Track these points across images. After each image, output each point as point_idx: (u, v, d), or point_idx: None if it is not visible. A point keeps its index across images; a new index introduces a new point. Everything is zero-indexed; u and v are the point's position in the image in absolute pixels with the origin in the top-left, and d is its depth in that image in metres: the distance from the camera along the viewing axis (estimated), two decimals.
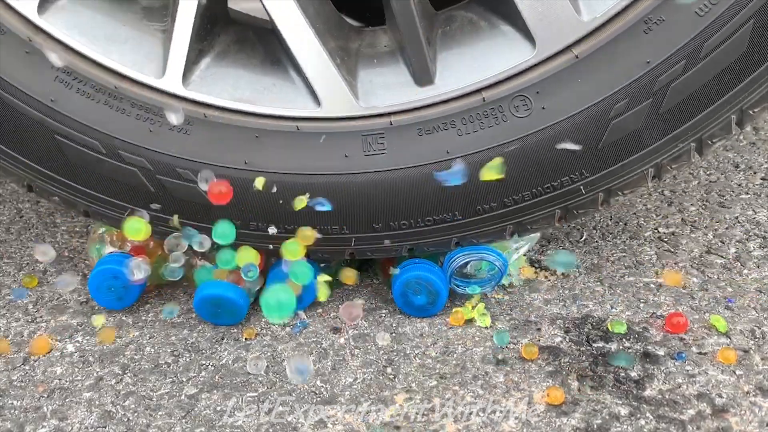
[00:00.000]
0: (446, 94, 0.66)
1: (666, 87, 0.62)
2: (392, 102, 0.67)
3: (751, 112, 0.64)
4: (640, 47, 0.62)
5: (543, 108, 0.64)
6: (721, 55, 0.61)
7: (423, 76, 0.67)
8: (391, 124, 0.67)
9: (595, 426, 0.57)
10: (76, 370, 0.68)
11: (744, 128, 0.66)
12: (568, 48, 0.64)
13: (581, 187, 0.67)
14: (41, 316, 0.79)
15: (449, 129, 0.66)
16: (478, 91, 0.66)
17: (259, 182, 0.67)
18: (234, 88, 0.69)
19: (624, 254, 0.87)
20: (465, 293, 0.75)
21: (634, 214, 0.99)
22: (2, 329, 0.76)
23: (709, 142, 0.66)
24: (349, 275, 0.74)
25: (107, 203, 0.72)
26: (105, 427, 0.60)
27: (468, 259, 0.73)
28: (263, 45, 0.72)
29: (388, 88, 0.68)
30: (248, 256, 0.70)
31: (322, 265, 0.78)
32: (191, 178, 0.68)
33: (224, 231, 0.68)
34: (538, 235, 0.85)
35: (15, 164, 0.71)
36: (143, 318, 0.77)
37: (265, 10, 0.66)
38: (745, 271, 0.81)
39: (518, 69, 0.65)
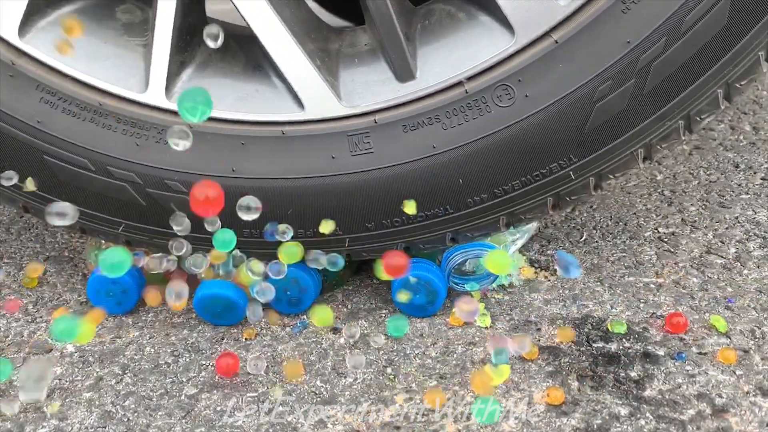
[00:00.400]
0: (428, 88, 0.66)
1: (648, 66, 0.62)
2: (375, 100, 0.67)
3: (738, 85, 0.64)
4: (619, 28, 0.61)
5: (526, 96, 0.64)
6: (702, 29, 0.61)
7: (404, 72, 0.67)
8: (376, 122, 0.67)
9: (595, 426, 0.57)
10: (76, 370, 0.68)
11: (732, 102, 0.65)
12: (547, 34, 0.63)
13: (570, 173, 0.67)
14: (41, 316, 0.79)
15: (434, 123, 0.66)
16: (460, 83, 0.66)
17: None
18: (217, 96, 0.69)
19: (624, 254, 0.87)
20: (464, 291, 0.75)
21: (634, 214, 0.99)
22: (2, 329, 0.76)
23: (698, 119, 0.65)
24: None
25: (101, 220, 0.72)
26: (105, 427, 0.60)
27: (465, 257, 0.73)
28: (244, 52, 0.72)
29: (371, 87, 0.68)
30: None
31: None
32: (180, 189, 0.69)
33: (225, 239, 0.68)
34: (534, 227, 0.85)
35: (8, 187, 0.72)
36: (143, 318, 0.77)
37: (241, 15, 0.66)
38: (745, 271, 0.81)
39: (498, 58, 0.65)
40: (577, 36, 0.62)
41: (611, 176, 0.68)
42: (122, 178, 0.69)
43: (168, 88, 0.68)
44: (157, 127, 0.68)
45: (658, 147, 0.67)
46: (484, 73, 0.65)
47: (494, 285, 0.79)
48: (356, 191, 0.68)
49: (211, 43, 0.58)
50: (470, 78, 0.65)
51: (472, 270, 0.74)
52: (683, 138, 0.67)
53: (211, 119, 0.68)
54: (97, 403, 0.63)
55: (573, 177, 0.67)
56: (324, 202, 0.68)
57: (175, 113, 0.68)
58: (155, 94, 0.68)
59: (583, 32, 0.62)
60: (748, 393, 0.60)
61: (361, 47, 0.72)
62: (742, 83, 0.64)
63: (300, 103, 0.68)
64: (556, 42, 0.63)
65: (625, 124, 0.64)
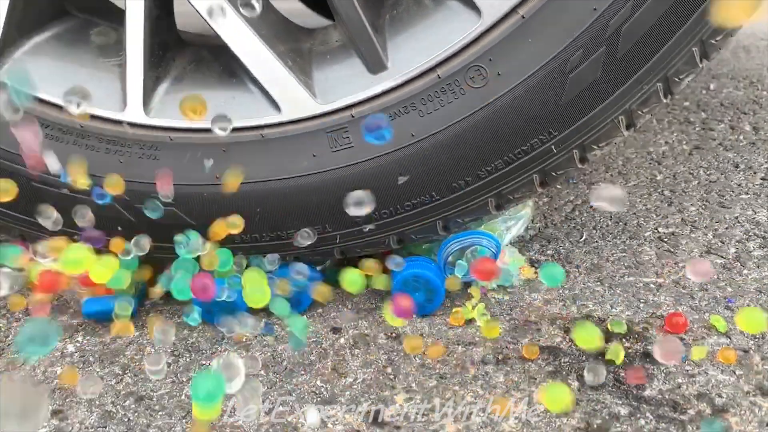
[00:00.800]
0: (401, 77, 0.66)
1: (618, 31, 0.62)
2: (350, 95, 0.67)
3: (713, 41, 0.63)
4: None
5: (499, 74, 0.64)
6: None
7: (375, 64, 0.67)
8: (353, 116, 0.67)
9: (595, 426, 0.57)
10: (77, 370, 0.68)
11: (710, 60, 0.64)
12: (513, 10, 0.63)
13: (552, 147, 0.66)
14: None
15: (410, 112, 0.66)
16: (432, 69, 0.66)
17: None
18: None
19: (624, 254, 0.87)
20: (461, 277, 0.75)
21: (634, 214, 0.99)
22: (2, 329, 0.76)
23: (677, 80, 0.65)
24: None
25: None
26: (105, 427, 0.60)
27: (461, 245, 0.73)
28: (218, 61, 0.73)
29: (345, 82, 0.68)
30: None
31: (319, 268, 0.79)
32: (167, 201, 0.69)
33: (222, 259, 0.68)
34: (529, 215, 0.85)
35: (3, 217, 0.73)
36: (143, 318, 0.77)
37: (207, 22, 0.67)
38: (745, 271, 0.81)
39: (467, 40, 0.65)
40: (543, 9, 0.62)
41: (595, 147, 0.68)
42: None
43: (145, 103, 0.69)
44: (139, 143, 0.69)
45: (639, 112, 0.67)
46: (455, 57, 0.65)
47: (494, 285, 0.79)
48: (341, 187, 0.68)
49: (250, 10, 0.59)
50: (441, 62, 0.65)
51: (470, 259, 0.75)
52: (664, 101, 0.66)
53: (191, 130, 0.69)
54: (97, 403, 0.63)
55: (555, 151, 0.67)
56: (310, 200, 0.69)
57: (154, 128, 0.69)
58: (134, 112, 0.69)
59: (548, 5, 0.62)
60: (748, 393, 0.60)
61: (333, 44, 0.72)
62: (718, 39, 0.63)
63: (276, 106, 0.68)
64: (523, 17, 0.63)
65: (601, 92, 0.64)
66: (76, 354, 0.71)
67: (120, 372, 0.67)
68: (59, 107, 0.69)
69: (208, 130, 0.68)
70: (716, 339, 0.68)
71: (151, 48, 0.69)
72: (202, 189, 0.70)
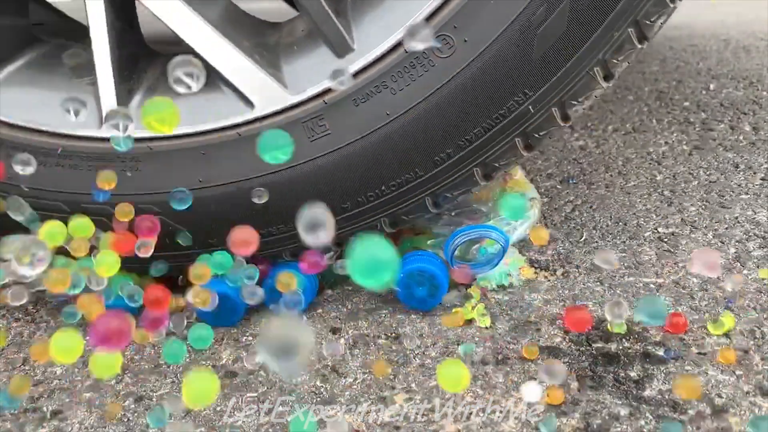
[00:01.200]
0: (369, 57, 0.66)
1: None
2: (321, 82, 0.67)
3: None
4: None
5: (465, 41, 0.64)
6: None
7: (341, 47, 0.67)
8: (326, 103, 0.67)
9: (595, 426, 0.57)
10: (76, 370, 0.68)
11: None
12: None
13: (530, 108, 0.66)
14: (41, 317, 0.79)
15: (382, 90, 0.66)
16: (399, 45, 0.65)
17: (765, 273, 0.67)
18: None
19: (624, 254, 0.87)
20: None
21: (634, 214, 0.99)
22: (2, 330, 0.76)
23: (648, 23, 0.64)
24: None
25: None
26: (105, 428, 0.60)
27: (468, 238, 0.73)
28: None
29: (314, 70, 0.68)
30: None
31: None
32: (154, 210, 0.70)
33: (222, 260, 0.68)
34: (534, 216, 0.85)
35: None
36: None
37: (167, 26, 0.67)
38: (745, 271, 0.81)
39: (431, 9, 0.64)
40: None
41: (575, 102, 0.67)
42: (98, 213, 0.70)
43: None
44: (120, 157, 0.70)
45: (615, 61, 0.66)
46: None
47: (494, 285, 0.79)
48: (324, 175, 0.68)
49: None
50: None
51: (476, 255, 0.75)
52: (639, 46, 0.65)
53: (169, 138, 0.69)
54: (96, 403, 0.63)
55: (533, 111, 0.66)
56: (294, 193, 0.69)
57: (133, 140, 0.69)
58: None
59: None
60: (747, 393, 0.60)
61: (299, 34, 0.72)
62: None
63: (249, 102, 0.68)
64: None
65: (571, 45, 0.63)
66: None
67: (120, 372, 0.67)
68: (39, 131, 0.70)
69: (188, 135, 0.69)
70: (716, 339, 0.68)
71: (120, 62, 0.70)
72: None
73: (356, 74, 0.66)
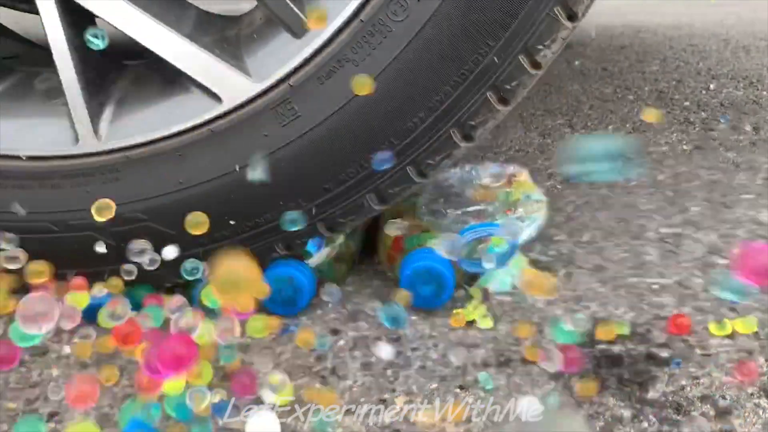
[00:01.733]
0: (327, 33, 0.65)
1: None
2: (284, 65, 0.67)
3: None
4: None
5: (418, 1, 0.63)
6: None
7: (297, 27, 0.66)
8: (292, 86, 0.66)
9: (598, 428, 0.57)
10: (73, 372, 0.68)
11: None
12: None
13: (494, 59, 0.65)
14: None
15: (345, 64, 0.65)
16: (355, 15, 0.65)
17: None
18: (143, 121, 0.70)
19: (627, 255, 0.86)
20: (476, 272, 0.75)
21: (637, 214, 0.99)
22: (1, 331, 0.76)
23: None
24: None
25: (81, 275, 0.73)
26: (102, 430, 0.59)
27: (478, 235, 0.72)
28: (156, 73, 0.73)
29: (276, 55, 0.68)
30: None
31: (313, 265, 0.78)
32: (141, 218, 0.70)
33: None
34: (542, 217, 0.85)
35: None
36: None
37: (123, 32, 0.67)
38: None
39: None
40: None
41: (542, 47, 0.65)
42: (85, 228, 0.71)
43: (95, 131, 0.70)
44: (100, 170, 0.70)
45: None
46: None
47: (498, 290, 0.78)
48: (301, 158, 0.68)
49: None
50: (361, 6, 0.64)
51: (485, 254, 0.74)
52: None
53: (144, 144, 0.69)
54: (94, 405, 0.62)
55: (499, 61, 0.65)
56: (275, 181, 0.68)
57: (110, 152, 0.70)
58: (86, 142, 0.70)
59: None
60: (752, 395, 0.60)
61: (257, 23, 0.72)
62: None
63: (217, 97, 0.68)
64: None
65: None
66: (72, 356, 0.70)
67: (117, 374, 0.67)
68: (14, 157, 0.71)
69: (163, 138, 0.69)
70: (720, 340, 0.67)
71: (87, 77, 0.69)
72: (171, 197, 0.70)
73: (317, 52, 0.66)
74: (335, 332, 0.72)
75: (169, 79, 0.71)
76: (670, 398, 0.60)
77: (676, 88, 1.76)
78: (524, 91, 0.68)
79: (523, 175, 0.97)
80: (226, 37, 0.72)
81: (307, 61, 0.66)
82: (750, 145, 1.27)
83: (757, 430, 0.56)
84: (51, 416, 0.61)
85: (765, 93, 1.66)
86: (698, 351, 0.66)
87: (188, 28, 0.69)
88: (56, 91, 0.71)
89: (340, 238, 0.81)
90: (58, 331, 0.74)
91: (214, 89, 0.68)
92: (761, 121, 1.42)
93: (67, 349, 0.71)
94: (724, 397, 0.59)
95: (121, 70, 0.76)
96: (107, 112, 0.71)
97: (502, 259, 0.75)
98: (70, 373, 0.67)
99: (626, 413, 0.58)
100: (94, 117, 0.70)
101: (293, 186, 0.69)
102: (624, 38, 2.62)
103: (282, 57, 0.67)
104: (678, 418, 0.57)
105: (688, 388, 0.61)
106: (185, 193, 0.70)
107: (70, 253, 0.73)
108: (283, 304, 0.74)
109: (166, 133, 0.69)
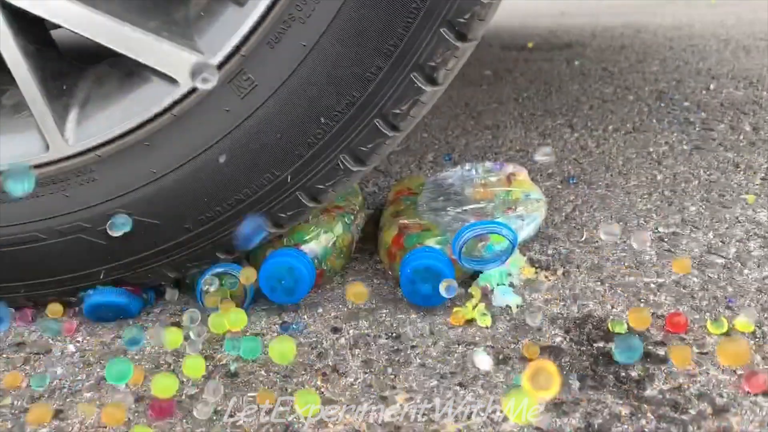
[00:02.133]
0: None
1: None
2: (232, 37, 0.66)
3: None
4: None
5: None
6: None
7: None
8: (244, 55, 0.66)
9: (596, 426, 0.57)
10: (77, 370, 0.68)
11: None
12: None
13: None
14: (41, 317, 0.79)
15: (291, 24, 0.65)
16: None
17: None
18: (108, 118, 0.71)
19: (624, 254, 0.86)
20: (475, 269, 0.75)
21: (635, 214, 0.99)
22: (1, 330, 0.76)
23: None
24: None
25: (76, 279, 0.75)
26: (105, 427, 0.60)
27: (476, 234, 0.73)
28: (117, 68, 0.74)
29: (225, 28, 0.67)
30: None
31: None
32: (124, 212, 0.71)
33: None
34: (541, 216, 0.86)
35: None
36: (143, 318, 0.77)
37: (68, 29, 0.67)
38: (746, 271, 0.81)
39: None
40: None
41: (462, 19, 0.64)
42: (73, 231, 0.72)
43: (63, 135, 0.70)
44: (74, 172, 0.71)
45: None
46: None
47: (495, 284, 0.78)
48: (266, 126, 0.68)
49: None
50: None
51: (483, 252, 0.75)
52: None
53: (112, 140, 0.70)
54: (97, 403, 0.63)
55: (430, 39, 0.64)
56: (245, 155, 0.68)
57: (81, 153, 0.70)
58: (57, 148, 0.71)
59: None
60: (749, 393, 0.60)
61: (203, 1, 0.72)
62: None
63: (173, 81, 0.68)
64: None
65: None
66: (77, 354, 0.71)
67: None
68: None
69: (128, 132, 0.69)
70: (717, 339, 0.68)
71: (46, 83, 0.70)
72: (146, 189, 0.71)
73: (263, 17, 0.65)
74: (336, 330, 0.73)
75: (128, 72, 0.72)
76: (668, 396, 0.60)
77: (676, 88, 1.77)
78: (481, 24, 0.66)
79: (523, 175, 0.98)
80: (174, 20, 0.71)
81: (255, 28, 0.65)
82: (749, 145, 1.27)
83: (754, 427, 0.56)
84: (55, 413, 0.62)
85: (765, 93, 1.66)
86: (695, 349, 0.66)
87: (129, 14, 0.69)
88: (22, 105, 0.72)
89: (338, 230, 0.82)
90: (60, 330, 0.75)
91: (169, 73, 0.67)
92: (761, 121, 1.43)
93: (71, 347, 0.72)
94: (721, 395, 0.60)
95: (81, 73, 0.76)
96: (72, 116, 0.71)
97: (502, 257, 0.75)
98: (74, 371, 0.68)
99: (624, 411, 0.59)
100: (60, 122, 0.70)
101: (264, 157, 0.69)
102: (624, 38, 2.63)
103: (231, 29, 0.66)
104: (676, 415, 0.58)
105: (686, 386, 0.61)
106: (161, 181, 0.70)
107: (62, 258, 0.74)
108: (282, 294, 0.74)
109: (131, 125, 0.69)
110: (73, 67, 0.76)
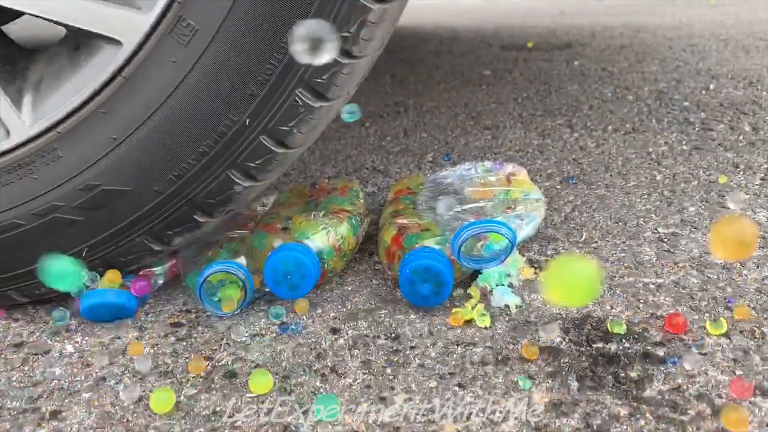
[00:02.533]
0: None
1: None
2: None
3: None
4: None
5: None
6: None
7: None
8: (180, 2, 0.65)
9: (595, 426, 0.57)
10: (76, 370, 0.68)
11: None
12: None
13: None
14: (41, 317, 0.79)
15: None
16: None
17: None
18: (62, 94, 0.71)
19: (624, 254, 0.86)
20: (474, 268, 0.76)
21: (634, 214, 0.99)
22: (1, 330, 0.76)
23: None
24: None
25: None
26: (104, 428, 0.60)
27: (476, 232, 0.73)
28: (64, 45, 0.74)
29: None
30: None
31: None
32: (95, 184, 0.71)
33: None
34: (540, 216, 0.86)
35: None
36: (142, 318, 0.77)
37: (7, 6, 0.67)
38: (745, 272, 0.81)
39: None
40: None
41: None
42: (48, 211, 0.72)
43: (20, 117, 0.70)
44: (38, 153, 0.71)
45: None
46: None
47: (494, 285, 0.78)
48: (216, 69, 0.67)
49: None
50: None
51: (482, 251, 0.75)
52: None
53: (69, 116, 0.69)
54: (96, 403, 0.63)
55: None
56: (199, 104, 0.67)
57: (41, 134, 0.70)
58: (17, 132, 0.71)
59: None
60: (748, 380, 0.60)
61: None
62: None
63: (118, 42, 0.67)
64: None
65: None
66: (75, 354, 0.71)
67: (119, 372, 0.67)
68: None
69: (84, 103, 0.69)
70: (716, 339, 0.68)
71: None
72: (110, 157, 0.70)
73: None
74: (335, 331, 0.73)
75: (75, 47, 0.72)
76: (667, 397, 0.60)
77: (676, 88, 1.77)
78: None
79: (522, 175, 0.98)
80: None
81: None
82: (749, 146, 1.27)
83: (753, 428, 0.56)
84: (54, 414, 0.62)
85: (764, 93, 1.66)
86: (694, 350, 0.66)
87: None
88: None
89: (345, 231, 0.82)
90: (59, 330, 0.75)
91: (112, 35, 0.67)
92: (760, 121, 1.43)
93: (69, 348, 0.72)
94: (720, 396, 0.60)
95: (32, 56, 0.76)
96: (27, 99, 0.72)
97: (501, 256, 0.75)
98: (73, 372, 0.68)
99: (623, 411, 0.59)
100: (17, 106, 0.71)
101: (219, 104, 0.68)
102: (624, 38, 2.63)
103: None
104: (675, 416, 0.58)
105: (685, 387, 0.61)
106: (123, 146, 0.70)
107: (45, 241, 0.74)
108: (287, 289, 0.74)
109: (84, 96, 0.69)
110: (23, 52, 0.77)
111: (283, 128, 0.69)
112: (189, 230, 0.75)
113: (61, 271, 0.64)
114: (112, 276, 0.76)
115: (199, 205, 0.72)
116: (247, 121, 0.68)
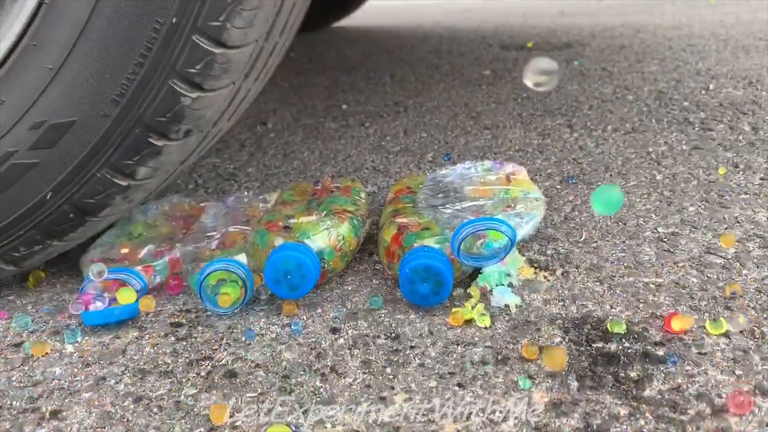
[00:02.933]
0: None
1: None
2: None
3: None
4: None
5: None
6: None
7: None
8: None
9: (595, 426, 0.57)
10: (76, 370, 0.68)
11: None
12: None
13: None
14: (40, 316, 0.79)
15: None
16: None
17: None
18: None
19: (623, 254, 0.87)
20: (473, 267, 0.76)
21: (634, 214, 0.99)
22: (1, 329, 0.76)
23: None
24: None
25: (35, 209, 0.74)
26: (104, 428, 0.60)
27: (475, 230, 0.73)
28: None
29: None
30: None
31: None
32: (40, 121, 0.69)
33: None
34: (539, 215, 0.86)
35: None
36: (142, 318, 0.77)
37: None
38: (745, 271, 0.81)
39: None
40: None
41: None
42: (3, 159, 0.71)
43: None
44: None
45: None
46: None
47: (494, 285, 0.79)
48: (114, 17, 0.66)
49: None
50: None
51: (481, 249, 0.75)
52: None
53: (9, 53, 0.68)
54: (96, 403, 0.63)
55: None
56: (127, 8, 0.66)
57: None
58: None
59: None
60: (747, 393, 0.60)
61: None
62: None
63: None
64: None
65: None
66: (75, 354, 0.71)
67: (119, 372, 0.67)
68: None
69: (17, 42, 0.68)
70: (715, 339, 0.68)
71: None
72: (50, 87, 0.69)
73: None
74: (335, 331, 0.73)
75: None
76: (667, 396, 0.60)
77: (676, 88, 1.77)
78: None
79: (522, 174, 0.98)
80: None
81: None
82: (749, 146, 1.27)
83: (753, 428, 0.56)
84: (54, 414, 0.62)
85: (764, 93, 1.66)
86: (694, 350, 0.66)
87: None
88: None
89: (347, 232, 0.82)
90: (60, 329, 0.75)
91: None
92: (760, 121, 1.43)
93: (69, 348, 0.72)
94: (720, 396, 0.60)
95: None
96: None
97: (500, 254, 0.75)
98: (73, 372, 0.68)
99: (623, 411, 0.59)
100: None
101: (145, 3, 0.65)
102: (623, 38, 2.63)
103: None
104: (674, 416, 0.58)
105: (684, 386, 0.61)
106: (61, 76, 0.68)
107: (11, 192, 0.73)
108: (286, 289, 0.74)
109: (16, 32, 0.68)
110: None
111: (214, 23, 0.65)
112: (149, 157, 0.71)
113: None
114: (127, 295, 0.76)
115: (150, 126, 0.69)
116: (174, 19, 0.64)
